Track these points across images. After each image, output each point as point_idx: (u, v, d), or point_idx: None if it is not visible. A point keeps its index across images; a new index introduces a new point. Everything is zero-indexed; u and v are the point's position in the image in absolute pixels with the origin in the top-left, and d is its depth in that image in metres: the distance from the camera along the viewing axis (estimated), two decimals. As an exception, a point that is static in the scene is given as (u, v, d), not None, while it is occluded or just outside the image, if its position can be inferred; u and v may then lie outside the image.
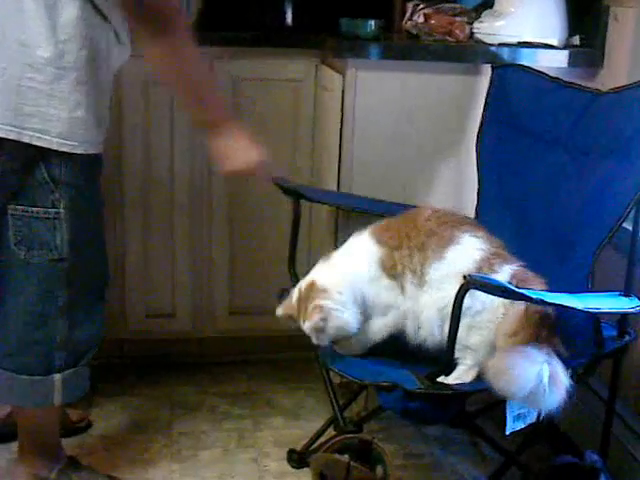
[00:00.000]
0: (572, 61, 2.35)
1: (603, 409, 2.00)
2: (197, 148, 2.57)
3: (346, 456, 1.85)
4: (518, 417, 1.66)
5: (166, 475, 2.21)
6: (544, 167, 2.05)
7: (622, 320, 1.89)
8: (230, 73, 2.54)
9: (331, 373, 1.98)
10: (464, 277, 1.55)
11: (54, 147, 1.69)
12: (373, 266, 1.84)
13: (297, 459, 2.25)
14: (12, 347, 1.86)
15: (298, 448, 2.26)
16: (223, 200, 2.64)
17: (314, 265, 1.94)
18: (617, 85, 2.00)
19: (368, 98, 2.30)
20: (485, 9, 2.52)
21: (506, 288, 1.55)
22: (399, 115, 2.33)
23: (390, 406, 1.72)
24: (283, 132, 2.62)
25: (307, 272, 1.94)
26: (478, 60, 2.33)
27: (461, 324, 1.60)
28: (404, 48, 2.35)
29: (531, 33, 2.39)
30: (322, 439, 2.21)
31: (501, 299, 1.70)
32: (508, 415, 1.66)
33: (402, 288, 1.83)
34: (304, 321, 1.81)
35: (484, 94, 2.22)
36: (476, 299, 1.69)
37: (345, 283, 1.83)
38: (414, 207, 2.11)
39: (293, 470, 2.24)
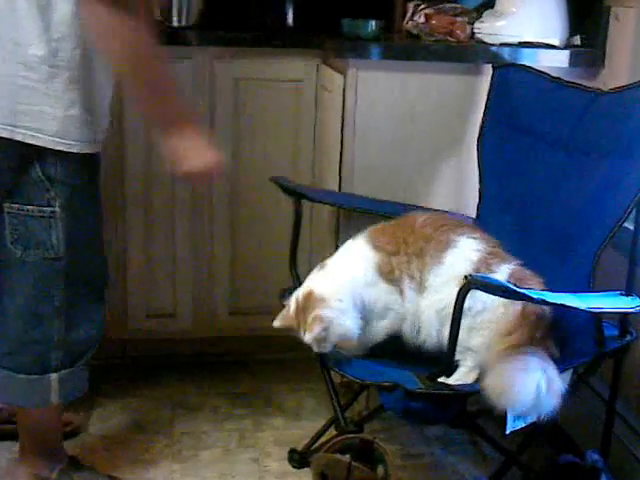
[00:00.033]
0: (573, 61, 2.35)
1: (604, 409, 2.00)
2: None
3: (347, 456, 1.85)
4: (518, 416, 1.66)
5: (167, 475, 2.21)
6: (545, 167, 2.05)
7: (623, 320, 1.89)
8: (231, 73, 2.54)
9: (332, 373, 1.98)
10: (465, 277, 1.55)
11: (49, 146, 1.69)
12: (370, 271, 1.84)
13: (298, 459, 2.25)
14: (10, 346, 1.86)
15: (299, 448, 2.26)
16: (224, 200, 2.64)
17: (315, 265, 1.94)
18: (618, 85, 2.00)
19: (369, 98, 2.30)
20: (486, 9, 2.52)
21: (507, 288, 1.55)
22: (400, 115, 2.33)
23: (391, 406, 1.71)
24: (284, 132, 2.62)
25: (308, 272, 1.94)
26: (479, 60, 2.33)
27: (462, 325, 1.60)
28: (405, 48, 2.36)
29: (532, 33, 2.39)
30: (323, 439, 2.21)
31: (501, 299, 1.70)
32: (508, 414, 1.66)
33: (401, 292, 1.83)
34: (304, 332, 1.79)
35: (485, 94, 2.22)
36: (477, 300, 1.69)
37: (344, 290, 1.82)
38: (415, 207, 2.12)
39: (294, 470, 2.24)
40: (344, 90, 2.30)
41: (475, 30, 2.47)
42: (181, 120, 1.79)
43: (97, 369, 2.03)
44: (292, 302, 1.85)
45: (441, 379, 1.69)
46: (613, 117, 1.91)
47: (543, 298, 1.56)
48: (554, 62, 2.33)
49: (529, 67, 2.17)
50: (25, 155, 1.71)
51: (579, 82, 2.07)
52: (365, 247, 1.87)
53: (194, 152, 1.78)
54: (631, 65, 2.23)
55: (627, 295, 1.83)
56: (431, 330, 1.81)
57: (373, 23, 2.39)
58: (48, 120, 1.68)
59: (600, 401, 2.12)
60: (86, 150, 1.75)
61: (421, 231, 1.85)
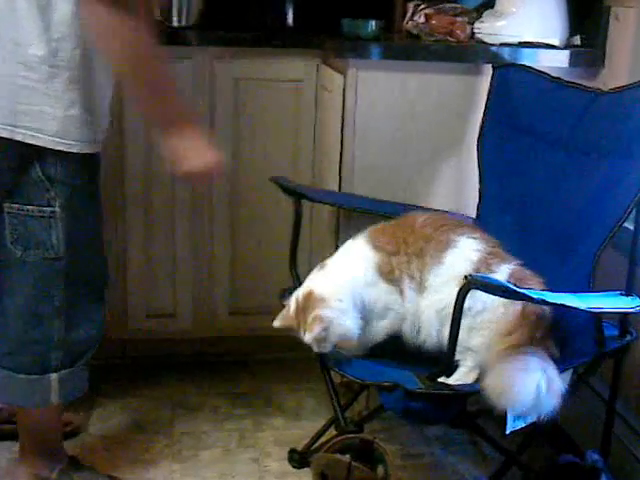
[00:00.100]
0: (573, 61, 2.35)
1: (604, 409, 2.00)
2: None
3: (347, 456, 1.85)
4: (518, 417, 1.66)
5: (167, 475, 2.21)
6: (545, 167, 2.05)
7: (623, 319, 1.89)
8: (231, 73, 2.54)
9: (332, 373, 1.98)
10: (465, 277, 1.55)
11: (49, 146, 1.69)
12: (370, 271, 1.84)
13: (298, 459, 2.25)
14: (10, 346, 1.86)
15: (299, 448, 2.27)
16: (224, 200, 2.64)
17: (315, 265, 1.94)
18: (618, 85, 2.00)
19: (369, 98, 2.30)
20: (486, 9, 2.52)
21: (507, 288, 1.55)
22: (400, 115, 2.33)
23: (391, 406, 1.71)
24: (284, 132, 2.62)
25: (308, 272, 1.94)
26: (479, 60, 2.33)
27: (462, 325, 1.60)
28: (405, 48, 2.36)
29: (532, 33, 2.39)
30: (323, 439, 2.21)
31: (501, 299, 1.70)
32: (508, 414, 1.66)
33: (401, 292, 1.83)
34: (305, 332, 1.79)
35: (485, 94, 2.22)
36: (477, 299, 1.69)
37: (344, 290, 1.82)
38: (415, 207, 2.12)
39: (294, 470, 2.24)
40: (344, 90, 2.30)
41: (475, 30, 2.47)
42: (181, 120, 1.78)
43: (97, 369, 2.03)
44: (292, 302, 1.85)
45: (441, 379, 1.69)
46: (613, 117, 1.91)
47: (543, 298, 1.56)
48: (554, 62, 2.33)
49: (529, 67, 2.17)
50: (25, 155, 1.71)
51: (579, 82, 2.07)
52: (365, 247, 1.87)
53: (194, 152, 1.78)
54: (631, 65, 2.23)
55: (627, 295, 1.83)
56: (431, 330, 1.81)
57: (373, 23, 2.39)
58: (48, 120, 1.68)
59: (600, 401, 2.12)
60: (86, 150, 1.75)
61: (421, 231, 1.85)
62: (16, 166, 1.72)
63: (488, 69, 2.24)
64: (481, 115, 2.22)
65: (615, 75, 2.28)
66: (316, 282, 1.86)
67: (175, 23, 2.63)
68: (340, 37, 2.41)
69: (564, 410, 1.63)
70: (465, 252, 1.81)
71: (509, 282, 1.66)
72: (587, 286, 1.82)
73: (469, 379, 1.72)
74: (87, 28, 1.64)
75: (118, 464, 2.22)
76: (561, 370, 1.73)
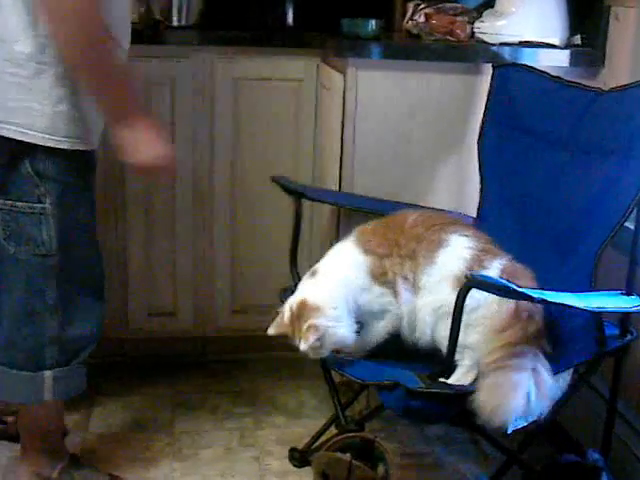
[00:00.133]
0: (573, 60, 2.36)
1: (605, 408, 2.00)
2: (199, 147, 2.58)
3: (348, 455, 1.86)
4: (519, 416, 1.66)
5: (167, 474, 2.21)
6: (546, 166, 2.05)
7: (624, 319, 1.89)
8: (231, 73, 2.55)
9: (333, 372, 1.98)
10: (466, 277, 1.55)
11: (39, 142, 1.69)
12: (362, 276, 1.84)
13: (299, 458, 2.25)
14: (4, 342, 1.86)
15: (300, 447, 2.27)
16: (225, 199, 2.64)
17: (314, 264, 1.94)
18: (618, 84, 2.01)
19: (369, 98, 2.30)
20: (486, 9, 2.52)
21: (508, 287, 1.55)
22: (400, 114, 2.33)
23: (391, 405, 1.71)
24: (284, 131, 2.62)
25: (309, 271, 1.94)
26: (479, 60, 2.33)
27: (459, 325, 1.60)
28: (405, 48, 2.36)
29: (532, 32, 2.39)
30: (324, 438, 2.22)
31: (495, 295, 1.70)
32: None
33: (395, 293, 1.83)
34: (300, 340, 1.79)
35: (485, 94, 2.22)
36: (471, 296, 1.69)
37: (337, 297, 1.81)
38: (415, 206, 2.12)
39: (295, 469, 2.24)
40: (344, 89, 2.30)
41: (475, 29, 2.47)
42: (133, 111, 1.76)
43: (98, 368, 2.04)
44: (286, 310, 1.84)
45: (441, 380, 1.69)
46: (613, 117, 1.91)
47: (543, 298, 1.56)
48: (554, 62, 2.33)
49: (529, 67, 2.17)
50: (15, 151, 1.71)
51: (579, 82, 2.07)
52: (355, 251, 1.86)
53: (144, 145, 1.76)
54: (631, 65, 2.24)
55: (627, 294, 1.83)
56: (425, 329, 1.81)
57: (373, 22, 2.39)
58: (37, 116, 1.68)
59: (601, 400, 2.13)
60: (77, 147, 1.74)
61: (412, 231, 1.85)
62: (6, 162, 1.73)
63: (488, 69, 2.24)
64: (481, 115, 2.22)
65: (615, 75, 2.28)
66: (309, 290, 1.84)
67: (175, 22, 2.64)
68: (340, 36, 2.41)
69: (565, 409, 1.64)
70: (457, 250, 1.81)
71: (502, 278, 1.67)
72: (588, 286, 1.82)
73: (467, 379, 1.72)
74: (38, 11, 1.60)
75: (118, 463, 2.22)
76: (562, 370, 1.74)
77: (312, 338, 1.75)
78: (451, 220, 1.92)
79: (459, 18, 2.47)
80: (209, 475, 2.22)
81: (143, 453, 2.29)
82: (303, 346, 1.77)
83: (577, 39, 2.43)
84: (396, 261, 1.83)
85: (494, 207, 2.18)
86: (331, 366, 1.89)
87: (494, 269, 1.78)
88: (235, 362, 2.80)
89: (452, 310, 1.59)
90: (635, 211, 1.81)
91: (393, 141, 2.35)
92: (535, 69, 2.15)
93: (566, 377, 1.79)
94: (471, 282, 1.55)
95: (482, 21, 2.47)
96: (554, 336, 1.80)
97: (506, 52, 2.34)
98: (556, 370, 1.70)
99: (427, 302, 1.80)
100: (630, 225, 1.84)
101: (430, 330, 1.80)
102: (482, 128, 2.21)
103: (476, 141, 2.22)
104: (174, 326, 2.74)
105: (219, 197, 2.64)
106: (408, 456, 2.32)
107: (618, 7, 2.29)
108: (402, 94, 2.32)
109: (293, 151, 2.64)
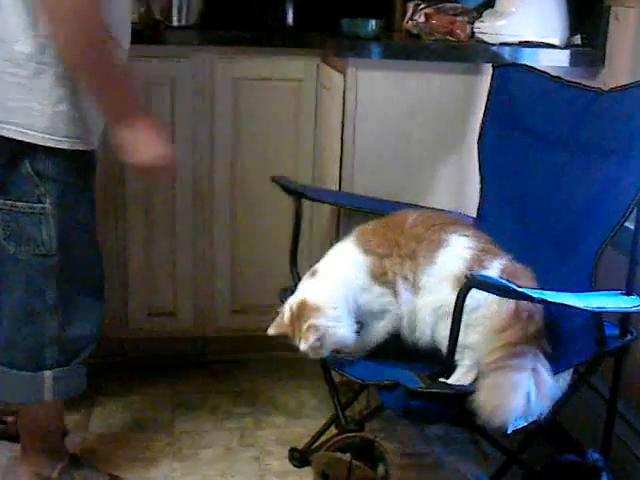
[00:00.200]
0: (573, 60, 2.36)
1: (605, 408, 2.00)
2: (199, 147, 2.58)
3: (348, 455, 1.86)
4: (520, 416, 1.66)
5: (167, 474, 2.21)
6: (546, 166, 2.05)
7: (624, 319, 1.89)
8: (231, 73, 2.55)
9: (333, 372, 1.98)
10: (466, 277, 1.55)
11: (39, 142, 1.69)
12: (363, 276, 1.84)
13: (299, 458, 2.25)
14: (4, 341, 1.86)
15: (300, 447, 2.27)
16: (225, 199, 2.64)
17: (314, 264, 1.94)
18: (618, 84, 2.01)
19: (369, 98, 2.30)
20: (486, 9, 2.52)
21: (508, 287, 1.55)
22: (400, 114, 2.33)
23: (391, 405, 1.71)
24: (284, 131, 2.62)
25: (309, 271, 1.94)
26: (479, 60, 2.33)
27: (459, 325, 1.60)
28: (405, 48, 2.36)
29: (532, 32, 2.39)
30: (324, 438, 2.22)
31: (494, 295, 1.70)
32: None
33: (395, 293, 1.83)
34: (300, 340, 1.79)
35: (485, 94, 2.22)
36: (471, 296, 1.68)
37: (338, 297, 1.81)
38: (415, 207, 2.12)
39: (295, 469, 2.24)
40: (344, 89, 2.30)
41: (475, 29, 2.47)
42: (133, 110, 1.75)
43: (98, 368, 2.04)
44: (286, 310, 1.84)
45: (441, 380, 1.69)
46: (613, 117, 1.91)
47: (543, 298, 1.56)
48: (554, 62, 2.33)
49: (529, 67, 2.17)
50: (15, 151, 1.71)
51: (579, 82, 2.07)
52: (355, 251, 1.86)
53: (144, 145, 1.76)
54: (631, 65, 2.24)
55: (627, 294, 1.83)
56: (425, 328, 1.81)
57: (373, 22, 2.39)
58: (37, 116, 1.68)
59: (601, 400, 2.13)
60: (77, 147, 1.74)
61: (412, 231, 1.85)
62: (6, 162, 1.73)
63: (488, 68, 2.24)
64: (481, 115, 2.22)
65: (615, 75, 2.28)
66: (310, 290, 1.84)
67: (175, 22, 2.64)
68: (340, 36, 2.41)
69: (565, 409, 1.64)
70: (457, 250, 1.81)
71: (502, 278, 1.67)
72: (588, 286, 1.82)
73: (467, 379, 1.72)
74: (38, 11, 1.60)
75: (118, 463, 2.22)
76: (562, 370, 1.74)
77: (312, 338, 1.75)
78: (451, 220, 1.92)
79: (459, 18, 2.47)
80: (209, 475, 2.22)
81: (143, 453, 2.29)
82: (303, 346, 1.77)
83: (577, 39, 2.43)
84: (396, 261, 1.83)
85: (494, 207, 2.18)
86: (331, 366, 1.89)
87: (494, 269, 1.78)
88: (235, 362, 2.80)
89: (452, 310, 1.59)
90: (635, 211, 1.80)
91: (393, 141, 2.35)
92: (535, 69, 2.15)
93: (566, 377, 1.79)
94: (471, 282, 1.55)
95: (482, 21, 2.47)
96: (554, 336, 1.80)
97: (506, 52, 2.34)
98: (556, 370, 1.70)
99: (427, 302, 1.80)
100: (630, 225, 1.84)
101: (430, 330, 1.80)
102: (482, 128, 2.21)
103: (476, 141, 2.22)
104: (174, 326, 2.74)
105: (219, 197, 2.64)
106: (408, 456, 2.32)
107: (618, 7, 2.29)
108: (402, 94, 2.32)
109: (293, 151, 2.64)
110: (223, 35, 2.54)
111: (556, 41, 2.39)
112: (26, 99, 1.67)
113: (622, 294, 1.83)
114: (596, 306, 1.68)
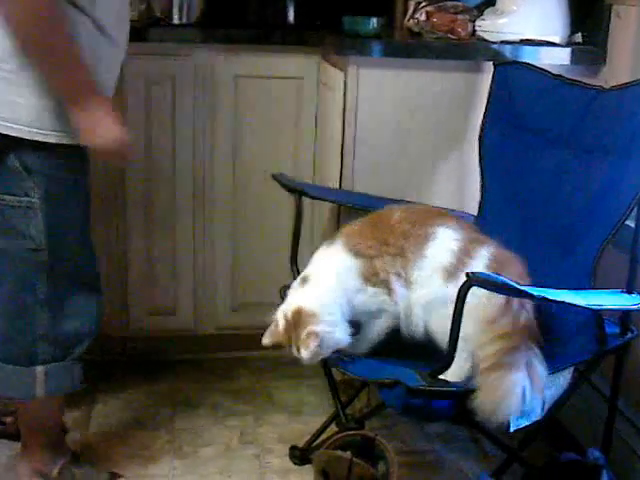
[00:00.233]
0: (574, 58, 2.36)
1: (605, 406, 2.00)
2: (199, 145, 2.58)
3: (348, 453, 1.86)
4: (522, 414, 1.66)
5: (167, 471, 2.21)
6: (547, 164, 2.05)
7: (624, 317, 1.89)
8: (232, 70, 2.54)
9: (333, 370, 1.98)
10: (467, 275, 1.55)
11: (25, 136, 1.69)
12: (354, 279, 1.84)
13: (299, 456, 2.25)
14: (0, 337, 1.86)
15: (300, 445, 2.27)
16: (225, 197, 2.64)
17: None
18: (619, 82, 2.01)
19: (370, 95, 2.30)
20: (487, 7, 2.52)
21: (509, 285, 1.55)
22: (401, 112, 2.33)
23: (392, 403, 1.72)
24: (285, 129, 2.62)
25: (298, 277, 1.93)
26: (480, 58, 2.33)
27: (449, 315, 1.59)
28: (406, 46, 2.36)
29: (533, 31, 2.39)
30: (324, 436, 2.22)
31: None
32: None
33: (389, 291, 1.83)
34: (298, 348, 1.79)
35: (486, 92, 2.22)
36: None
37: (332, 303, 1.81)
38: (400, 202, 2.11)
39: (295, 467, 2.24)
40: (345, 87, 2.30)
41: (476, 28, 2.47)
42: (87, 91, 1.72)
43: (98, 366, 2.03)
44: (280, 318, 1.83)
45: (441, 377, 1.69)
46: (614, 115, 1.91)
47: (544, 296, 1.56)
48: (555, 60, 2.33)
49: (530, 65, 2.17)
50: (1, 145, 1.71)
51: (580, 80, 2.07)
52: (345, 255, 1.86)
53: (98, 127, 1.73)
54: (632, 63, 2.23)
55: (628, 293, 1.83)
56: (419, 321, 1.82)
57: (374, 20, 2.38)
58: (22, 110, 1.68)
59: (601, 398, 2.13)
60: (64, 141, 1.73)
61: (399, 228, 1.85)
62: None
63: (489, 67, 2.24)
64: (482, 113, 2.22)
65: (616, 73, 2.28)
66: (303, 298, 1.84)
67: (176, 20, 2.63)
68: (341, 34, 2.41)
69: (565, 407, 1.63)
70: (445, 243, 1.82)
71: (491, 267, 1.70)
72: (588, 284, 1.82)
73: (464, 370, 1.71)
74: None
75: (118, 460, 2.22)
76: (562, 368, 1.74)
77: (313, 345, 1.75)
78: (435, 213, 1.94)
79: (460, 16, 2.47)
80: (209, 473, 2.21)
81: (143, 451, 2.29)
82: (304, 353, 1.76)
83: (578, 37, 2.43)
84: (386, 260, 1.83)
85: (495, 205, 2.18)
86: (332, 364, 1.89)
87: (482, 257, 1.80)
88: (235, 360, 2.80)
89: (444, 301, 1.63)
90: (636, 209, 1.81)
91: (394, 139, 2.35)
92: (536, 67, 2.15)
93: (566, 375, 1.79)
94: (472, 280, 1.55)
95: (483, 19, 2.47)
96: (554, 334, 1.80)
97: (507, 50, 2.34)
98: (556, 368, 1.70)
99: (420, 295, 1.82)
100: (631, 223, 1.84)
101: (423, 322, 1.81)
102: (483, 126, 2.21)
103: (477, 139, 2.22)
104: (174, 324, 2.74)
105: (219, 194, 2.64)
106: (408, 454, 2.32)
107: (619, 5, 2.29)
108: (403, 92, 2.32)
109: (293, 149, 2.64)
110: (224, 33, 2.54)
111: (557, 39, 2.39)
112: (10, 93, 1.66)
113: (623, 292, 1.83)
114: (596, 304, 1.67)
